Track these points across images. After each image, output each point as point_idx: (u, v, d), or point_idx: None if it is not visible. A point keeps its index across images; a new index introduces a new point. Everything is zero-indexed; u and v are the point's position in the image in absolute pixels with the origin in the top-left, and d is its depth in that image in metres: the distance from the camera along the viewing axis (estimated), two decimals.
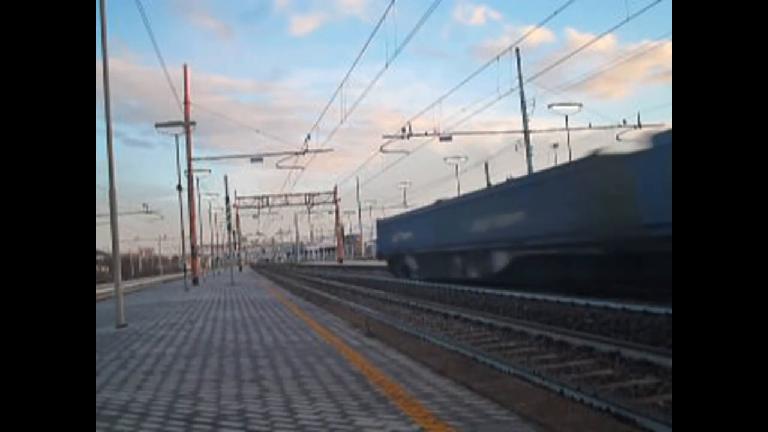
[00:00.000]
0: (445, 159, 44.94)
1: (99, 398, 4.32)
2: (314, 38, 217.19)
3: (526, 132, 30.46)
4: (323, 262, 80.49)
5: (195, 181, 30.91)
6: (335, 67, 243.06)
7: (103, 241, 32.22)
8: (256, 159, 35.89)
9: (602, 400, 4.82)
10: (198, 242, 33.40)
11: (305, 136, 38.27)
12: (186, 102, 28.90)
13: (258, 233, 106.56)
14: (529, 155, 30.66)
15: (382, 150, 35.23)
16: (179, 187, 24.67)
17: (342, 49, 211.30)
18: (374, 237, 43.19)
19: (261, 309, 11.81)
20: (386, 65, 20.88)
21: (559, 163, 25.47)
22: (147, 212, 61.26)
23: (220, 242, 76.16)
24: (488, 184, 32.36)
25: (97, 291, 16.99)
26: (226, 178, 32.72)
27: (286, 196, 55.69)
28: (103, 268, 53.27)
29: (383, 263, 32.08)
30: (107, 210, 9.93)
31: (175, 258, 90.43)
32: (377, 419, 3.44)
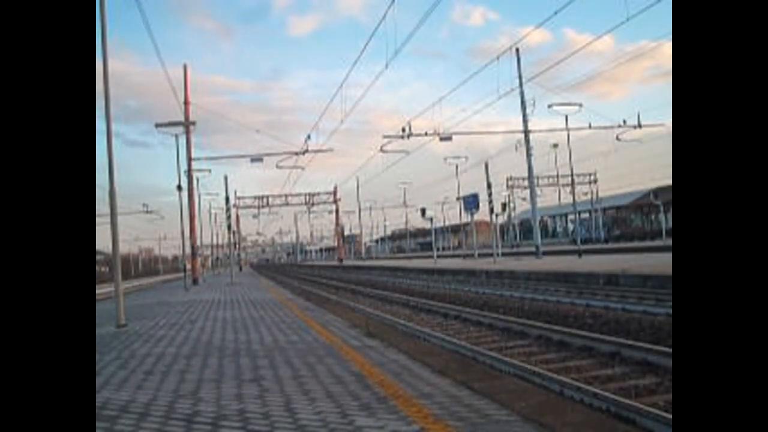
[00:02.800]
0: (445, 159, 44.89)
1: (99, 398, 4.32)
2: (313, 39, 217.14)
3: (526, 132, 30.46)
4: (323, 262, 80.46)
5: (195, 181, 30.95)
6: (334, 67, 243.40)
7: (103, 241, 32.16)
8: (256, 159, 35.91)
9: (602, 400, 4.83)
10: (198, 242, 33.45)
11: (305, 136, 38.30)
12: (186, 102, 28.93)
13: (258, 233, 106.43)
14: (529, 155, 30.68)
15: (382, 150, 35.23)
16: (179, 187, 24.67)
17: (341, 50, 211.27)
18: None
19: (261, 309, 11.81)
20: (386, 65, 20.96)
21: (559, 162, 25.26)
22: (147, 212, 61.33)
23: (220, 242, 76.26)
24: (488, 184, 32.37)
25: (97, 291, 16.98)
26: (226, 178, 32.69)
27: (286, 196, 55.65)
28: (103, 268, 53.17)
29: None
30: (107, 210, 9.94)
31: (175, 258, 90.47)
32: (377, 419, 3.44)
